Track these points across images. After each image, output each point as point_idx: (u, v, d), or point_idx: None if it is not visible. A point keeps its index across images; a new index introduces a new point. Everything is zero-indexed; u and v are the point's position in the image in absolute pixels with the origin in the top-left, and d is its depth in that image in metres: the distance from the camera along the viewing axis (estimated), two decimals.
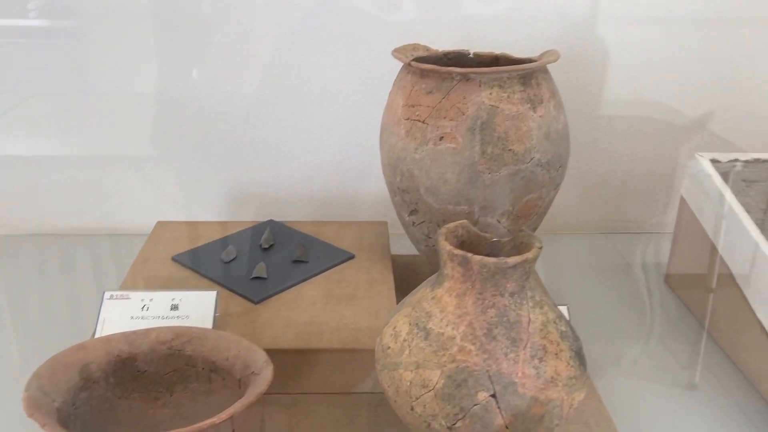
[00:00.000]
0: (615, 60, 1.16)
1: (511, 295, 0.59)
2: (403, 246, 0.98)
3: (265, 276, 0.86)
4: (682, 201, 1.02)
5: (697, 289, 1.00)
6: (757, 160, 0.98)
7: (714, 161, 0.97)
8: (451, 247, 0.60)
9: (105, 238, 1.20)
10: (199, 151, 1.19)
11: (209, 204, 1.21)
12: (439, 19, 1.12)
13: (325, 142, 1.17)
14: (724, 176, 0.95)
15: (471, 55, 0.92)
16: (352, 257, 0.92)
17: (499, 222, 0.82)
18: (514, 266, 0.58)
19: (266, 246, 0.94)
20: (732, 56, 1.17)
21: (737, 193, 0.92)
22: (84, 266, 1.12)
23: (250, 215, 1.20)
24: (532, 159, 0.80)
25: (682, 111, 1.19)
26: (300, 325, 0.79)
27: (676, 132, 1.19)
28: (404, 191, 0.85)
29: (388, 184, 0.88)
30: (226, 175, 1.19)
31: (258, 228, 0.99)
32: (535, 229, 0.89)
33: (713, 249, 0.93)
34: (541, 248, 0.61)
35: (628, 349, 0.94)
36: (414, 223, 0.86)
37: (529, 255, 0.59)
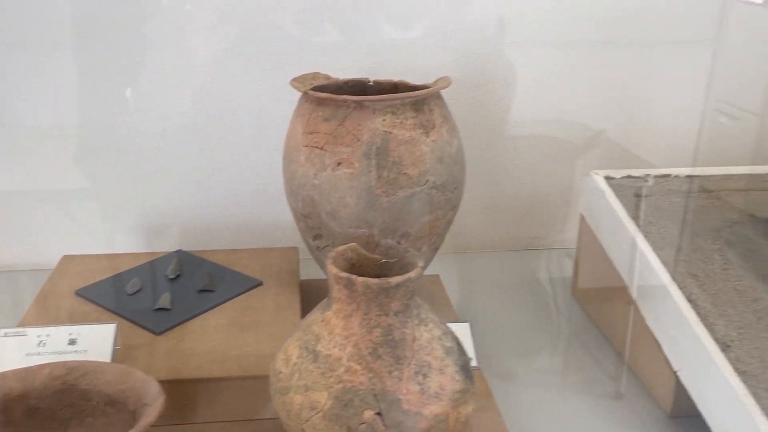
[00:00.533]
0: (520, 82, 1.21)
1: (396, 314, 0.61)
2: (316, 271, 0.99)
3: (169, 307, 0.86)
4: (582, 217, 1.06)
5: (600, 302, 1.04)
6: (648, 176, 1.03)
7: (608, 178, 1.02)
8: (336, 270, 0.61)
9: (14, 275, 1.17)
10: (114, 183, 1.18)
11: (123, 235, 1.19)
12: (358, 45, 1.14)
13: (246, 167, 1.18)
14: (618, 192, 1.00)
15: (371, 83, 0.95)
16: (259, 284, 0.93)
17: (399, 243, 0.85)
18: (397, 286, 0.60)
19: (173, 276, 0.94)
20: (627, 77, 1.23)
21: (629, 208, 0.97)
22: None
23: (167, 245, 1.19)
24: (426, 182, 0.82)
25: (582, 130, 1.25)
26: (202, 354, 0.79)
27: (577, 150, 1.25)
28: (307, 216, 0.86)
29: (292, 210, 0.89)
30: (141, 206, 1.18)
31: (166, 258, 0.99)
32: (437, 249, 0.91)
33: (610, 263, 0.97)
34: (423, 267, 0.63)
35: (534, 363, 0.96)
36: (318, 247, 0.88)
37: (411, 274, 0.61)
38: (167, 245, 1.18)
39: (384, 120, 0.81)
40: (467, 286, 1.14)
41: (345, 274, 0.60)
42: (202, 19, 1.11)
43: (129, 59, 1.12)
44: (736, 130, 1.27)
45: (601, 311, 1.03)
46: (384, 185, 0.81)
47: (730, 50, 1.24)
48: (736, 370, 0.74)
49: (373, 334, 0.60)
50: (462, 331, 0.88)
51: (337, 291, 0.62)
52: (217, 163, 1.17)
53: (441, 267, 1.13)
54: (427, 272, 1.05)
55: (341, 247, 0.66)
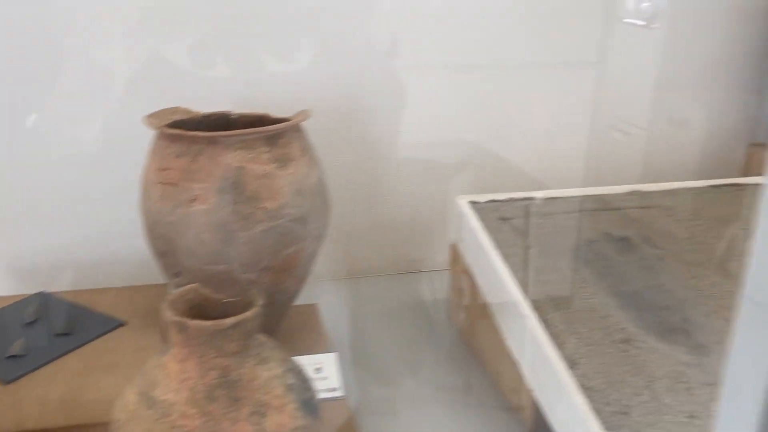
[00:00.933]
0: (403, 108, 1.23)
1: (233, 355, 0.61)
2: None
3: (22, 353, 0.83)
4: (452, 240, 1.09)
5: (470, 324, 1.06)
6: (511, 199, 1.07)
7: (473, 202, 1.05)
8: (170, 314, 0.61)
9: None
10: None
11: None
12: (248, 78, 1.14)
13: (121, 203, 1.15)
14: (483, 215, 1.03)
15: (234, 116, 0.95)
16: (122, 325, 0.91)
17: (261, 278, 0.84)
18: (233, 327, 0.60)
19: (30, 320, 0.90)
20: (513, 99, 1.26)
21: (492, 230, 1.00)
22: None
23: (34, 286, 1.15)
24: (285, 215, 0.83)
25: (465, 153, 1.28)
26: (53, 402, 0.76)
27: (457, 173, 1.28)
28: (164, 254, 0.85)
29: (150, 248, 0.88)
30: (7, 246, 1.14)
31: (25, 302, 0.95)
32: (303, 280, 0.91)
33: (477, 285, 1.00)
34: (261, 306, 0.63)
35: (405, 387, 0.98)
36: (179, 285, 0.86)
37: (247, 314, 0.61)
38: (34, 287, 1.14)
39: (237, 155, 0.81)
40: (347, 313, 1.15)
41: (178, 318, 0.60)
42: (81, 62, 1.08)
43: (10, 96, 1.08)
44: (626, 147, 1.34)
45: (472, 332, 1.06)
46: (240, 220, 0.81)
47: (616, 70, 1.30)
48: (582, 386, 0.77)
49: (208, 376, 0.60)
50: (329, 361, 0.89)
51: (173, 335, 0.61)
52: (91, 199, 1.14)
53: (322, 295, 1.14)
54: (305, 301, 1.05)
55: (181, 289, 0.65)
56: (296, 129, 0.87)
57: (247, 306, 0.65)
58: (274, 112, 0.92)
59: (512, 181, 1.28)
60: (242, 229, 0.81)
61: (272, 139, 0.83)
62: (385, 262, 1.28)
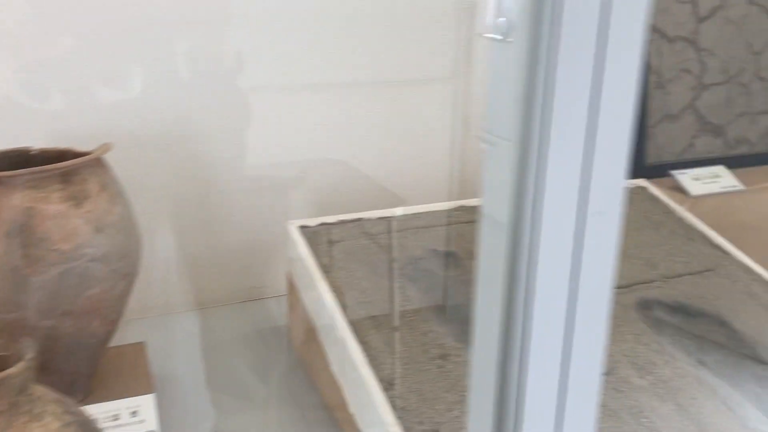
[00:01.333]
0: (246, 131, 1.20)
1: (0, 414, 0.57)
2: None
3: None
4: (287, 265, 1.08)
5: (306, 349, 1.05)
6: (342, 222, 1.07)
7: (303, 227, 1.04)
8: None
9: None
10: None
11: None
12: (79, 109, 1.08)
13: None
14: (312, 239, 1.03)
15: (35, 152, 0.90)
16: None
17: (61, 323, 0.80)
18: None
19: None
20: (358, 120, 1.27)
21: (320, 254, 1.00)
22: None
23: None
24: (82, 256, 0.79)
25: (306, 176, 1.27)
26: None
27: (295, 197, 1.27)
28: None
29: None
30: None
31: None
32: (115, 321, 0.87)
33: (305, 308, 0.99)
34: (31, 359, 0.59)
35: (236, 423, 0.95)
36: None
37: (11, 371, 0.57)
38: None
39: (26, 195, 0.76)
40: (184, 348, 1.11)
41: None
42: None
43: None
44: (490, 158, 1.36)
45: (307, 358, 1.04)
46: (32, 264, 0.76)
47: (479, 83, 1.32)
48: (394, 407, 0.78)
49: None
50: (146, 403, 0.85)
51: None
52: None
53: (156, 331, 1.11)
54: (132, 340, 1.01)
55: None
56: (94, 164, 0.83)
57: (18, 359, 0.61)
58: (92, 146, 0.87)
59: (370, 200, 1.28)
60: (35, 273, 0.76)
61: (66, 176, 0.79)
62: (228, 292, 1.25)
